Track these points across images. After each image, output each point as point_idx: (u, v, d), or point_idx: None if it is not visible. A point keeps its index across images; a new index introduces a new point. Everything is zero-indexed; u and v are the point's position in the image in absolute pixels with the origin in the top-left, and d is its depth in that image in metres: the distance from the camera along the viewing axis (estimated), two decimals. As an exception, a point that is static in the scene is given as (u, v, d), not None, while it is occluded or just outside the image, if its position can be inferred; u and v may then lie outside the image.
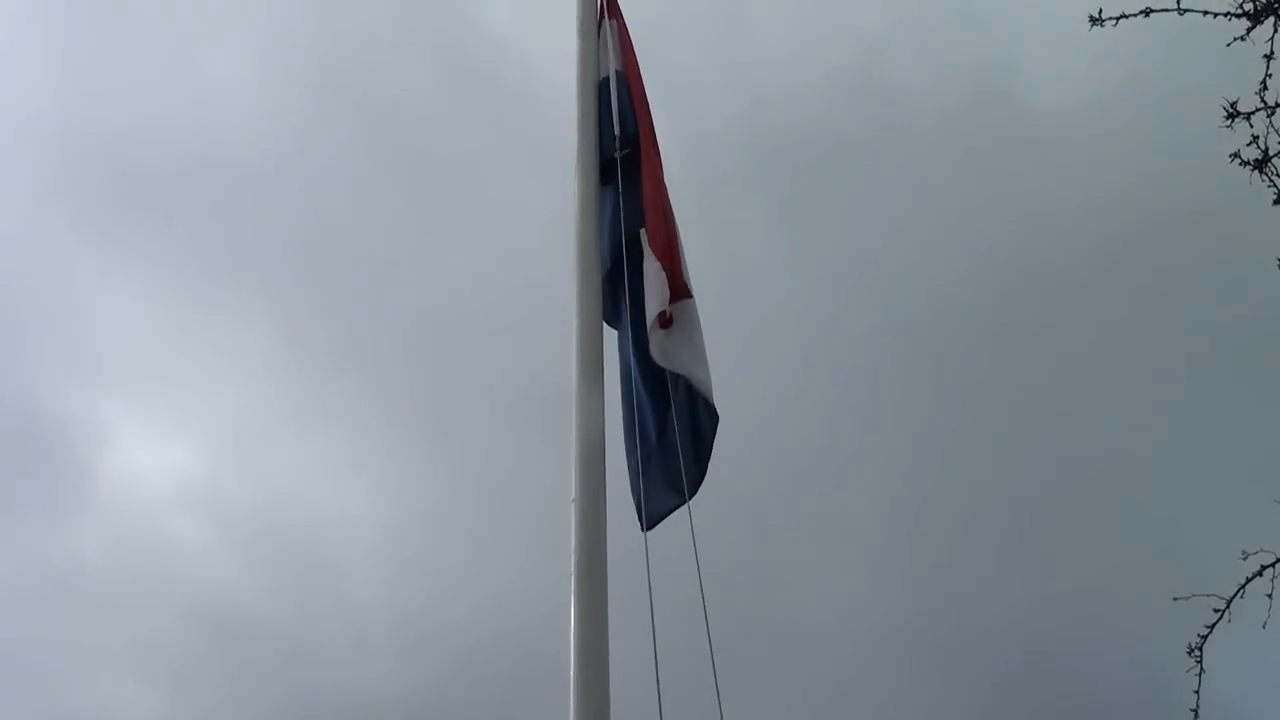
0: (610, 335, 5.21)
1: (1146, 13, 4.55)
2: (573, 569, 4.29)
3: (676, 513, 4.83)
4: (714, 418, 4.95)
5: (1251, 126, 4.66)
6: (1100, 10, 4.54)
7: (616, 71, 5.88)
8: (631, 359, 5.11)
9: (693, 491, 4.80)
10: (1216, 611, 5.11)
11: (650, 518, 4.74)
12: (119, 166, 15.20)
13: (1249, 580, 5.01)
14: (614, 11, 6.24)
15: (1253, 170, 4.71)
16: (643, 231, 5.32)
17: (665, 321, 5.01)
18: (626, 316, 5.19)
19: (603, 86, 5.85)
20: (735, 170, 13.97)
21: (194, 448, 16.38)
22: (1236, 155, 4.72)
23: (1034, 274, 14.23)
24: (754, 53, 14.69)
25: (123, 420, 16.26)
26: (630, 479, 4.92)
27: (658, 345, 4.98)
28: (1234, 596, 5.06)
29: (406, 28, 15.05)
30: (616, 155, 5.52)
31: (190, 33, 15.25)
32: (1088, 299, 14.08)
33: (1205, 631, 5.13)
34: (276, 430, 16.12)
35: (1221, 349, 12.64)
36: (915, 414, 14.32)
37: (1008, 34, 13.98)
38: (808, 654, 13.03)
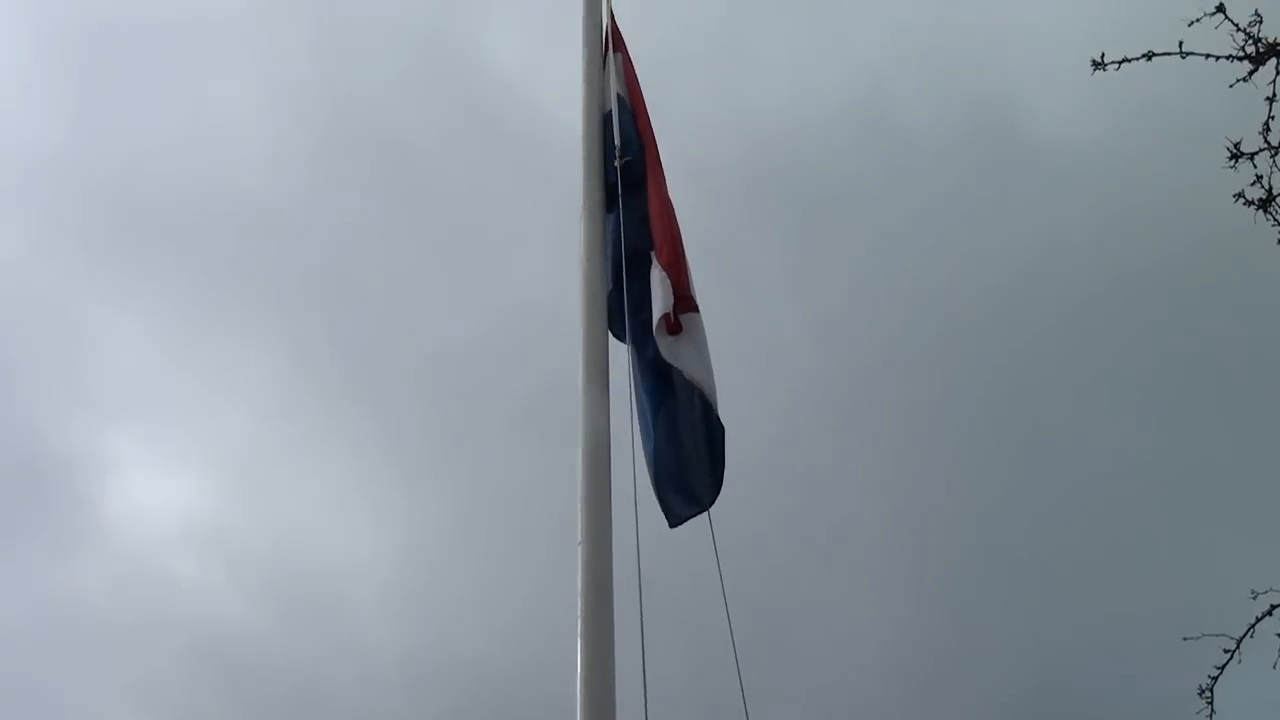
0: (619, 349, 5.28)
1: (1149, 56, 4.56)
2: (579, 612, 4.28)
3: (684, 538, 4.95)
4: (720, 428, 5.07)
5: (1255, 167, 4.67)
6: (1103, 55, 4.57)
7: (619, 96, 6.00)
8: (638, 364, 5.18)
9: (711, 499, 4.93)
10: (1227, 652, 5.08)
11: (673, 517, 4.90)
12: (125, 199, 15.27)
13: (1259, 620, 4.99)
14: (618, 45, 6.38)
15: (1257, 210, 4.72)
16: (651, 251, 5.44)
17: (673, 327, 5.14)
18: (639, 326, 5.27)
19: (607, 118, 5.97)
20: (742, 205, 14.01)
21: (199, 482, 16.37)
22: (1240, 195, 4.73)
23: (1040, 306, 14.22)
24: (759, 89, 14.75)
25: (127, 454, 16.24)
26: (650, 479, 4.99)
27: (666, 348, 5.11)
28: (1244, 636, 5.03)
29: (413, 62, 15.11)
30: (617, 164, 5.65)
31: (198, 66, 15.32)
32: (1095, 332, 14.06)
33: (1216, 672, 5.10)
34: (282, 464, 16.11)
35: (1233, 381, 12.60)
36: (923, 444, 14.29)
37: (1011, 69, 14.05)
38: (815, 680, 12.94)
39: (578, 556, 4.44)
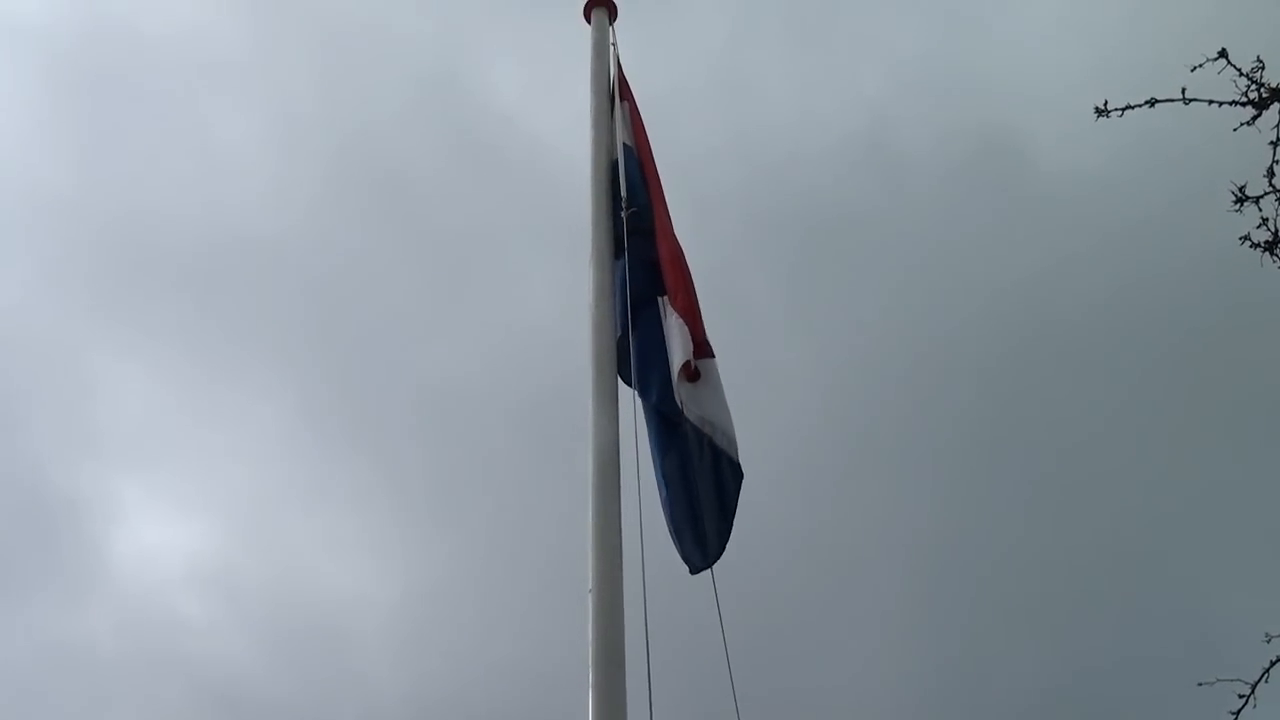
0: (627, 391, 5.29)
1: (1152, 103, 4.59)
2: (590, 660, 4.28)
3: (693, 576, 4.97)
4: (738, 475, 5.11)
5: (1260, 210, 4.69)
6: (1106, 102, 4.60)
7: (625, 145, 6.04)
8: (653, 413, 5.18)
9: (719, 549, 4.96)
10: (1241, 696, 5.04)
11: (693, 566, 4.93)
12: (130, 241, 15.36)
13: (1273, 664, 4.95)
14: (625, 95, 6.44)
15: (1264, 252, 4.73)
16: (662, 299, 5.49)
17: (691, 375, 5.17)
18: (651, 374, 5.29)
19: (615, 166, 6.01)
20: (741, 236, 14.04)
21: (205, 525, 16.30)
22: (1246, 238, 4.75)
23: (1044, 333, 14.19)
24: (758, 119, 14.78)
25: (133, 498, 16.20)
26: (669, 529, 5.02)
27: (686, 396, 5.14)
28: (1259, 681, 4.99)
29: (420, 106, 15.20)
30: (624, 215, 5.68)
31: (203, 109, 15.45)
32: (1099, 361, 14.00)
33: (1231, 718, 5.06)
34: (286, 506, 16.08)
35: (1241, 416, 12.52)
36: (926, 476, 14.17)
37: (1012, 96, 14.08)
38: (821, 716, 12.85)
39: (588, 604, 4.43)
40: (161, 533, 16.16)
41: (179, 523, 16.31)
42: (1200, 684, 5.11)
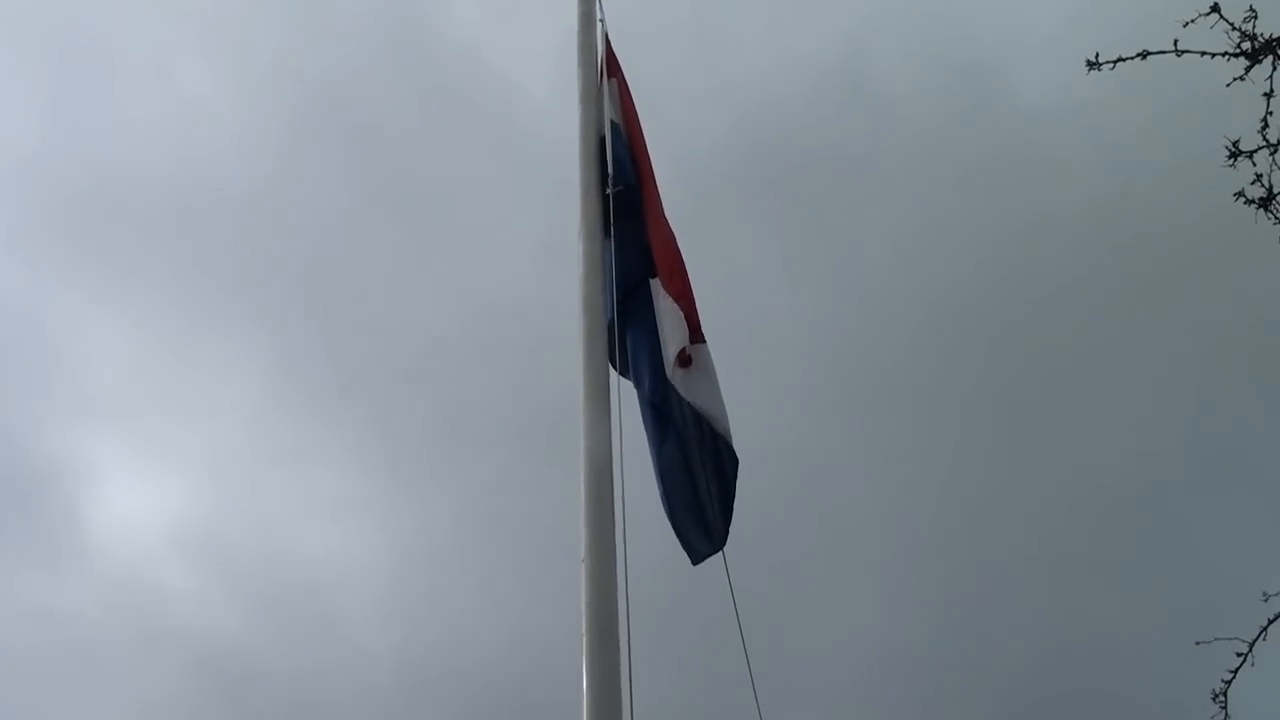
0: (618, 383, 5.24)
1: (1144, 55, 4.54)
2: (583, 629, 4.26)
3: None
4: (734, 461, 5.10)
5: (1255, 165, 4.65)
6: (1097, 55, 4.55)
7: (612, 122, 5.98)
8: (646, 404, 5.15)
9: (724, 537, 4.97)
10: (1239, 655, 5.04)
11: (694, 555, 4.96)
12: (100, 196, 15.03)
13: (1271, 623, 4.95)
14: (614, 70, 6.36)
15: (1258, 209, 4.69)
16: (653, 280, 5.43)
17: (685, 361, 5.16)
18: (643, 362, 5.25)
19: (602, 143, 5.94)
20: (724, 184, 13.77)
21: (187, 489, 16.12)
22: (1241, 194, 4.71)
23: (1037, 279, 14.00)
24: (736, 61, 14.49)
25: (113, 462, 16.01)
26: (668, 518, 5.02)
27: (680, 382, 5.13)
28: (1256, 639, 4.99)
29: (389, 52, 14.89)
30: (609, 193, 5.62)
31: (174, 61, 15.12)
32: (1094, 308, 13.82)
33: (1229, 676, 5.05)
34: (272, 468, 15.86)
35: (1238, 366, 12.41)
36: (923, 432, 14.10)
37: (997, 36, 13.85)
38: (817, 687, 12.83)
39: (580, 573, 4.41)
40: (143, 497, 16.00)
41: (161, 486, 16.14)
42: (1198, 643, 5.11)
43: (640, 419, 5.23)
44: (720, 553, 4.94)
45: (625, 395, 5.21)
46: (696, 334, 5.27)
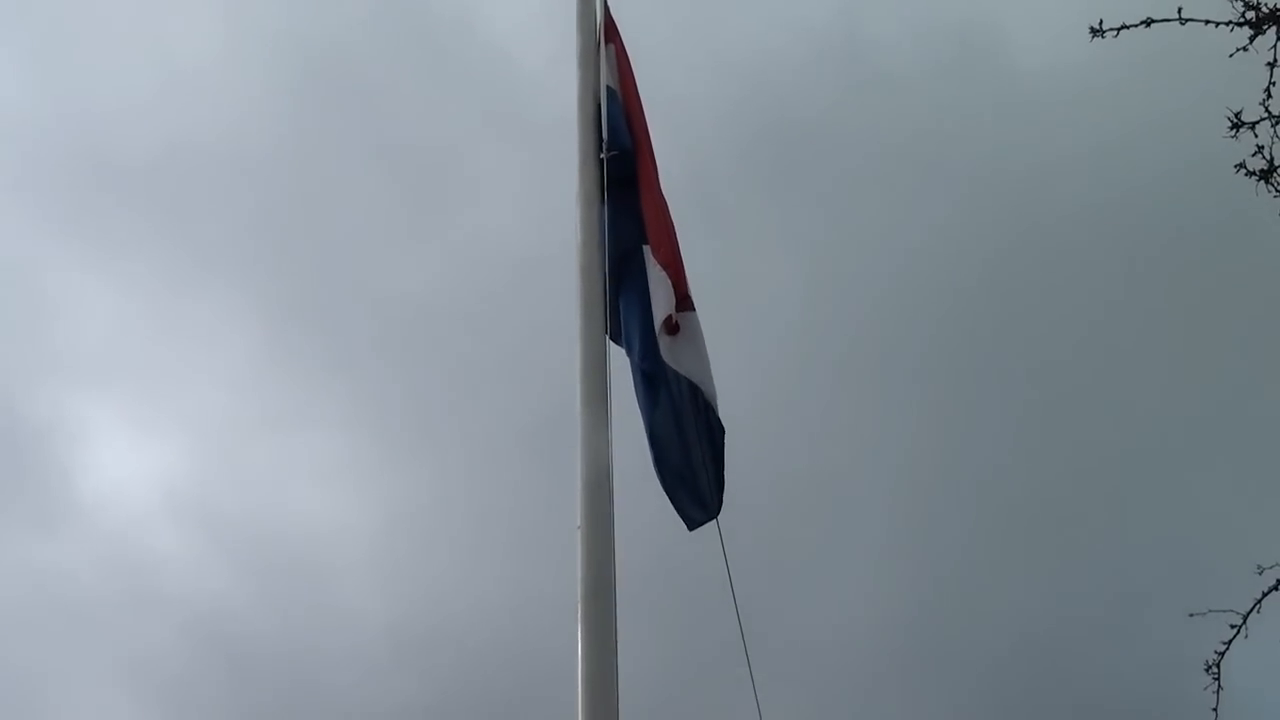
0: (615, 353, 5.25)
1: (1148, 23, 4.53)
2: (579, 595, 4.27)
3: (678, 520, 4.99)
4: (721, 429, 5.13)
5: (1256, 136, 4.63)
6: (1101, 21, 4.53)
7: (609, 87, 5.97)
8: (637, 371, 5.15)
9: (718, 503, 4.99)
10: (1233, 627, 5.04)
11: (689, 521, 4.96)
12: (87, 157, 14.92)
13: (1266, 595, 4.95)
14: (611, 36, 6.35)
15: (1259, 180, 4.68)
16: (645, 247, 5.45)
17: (672, 328, 5.16)
18: (634, 328, 5.26)
19: (599, 109, 5.94)
20: (719, 148, 13.69)
21: (177, 451, 16.12)
22: (1242, 166, 4.69)
23: (1035, 243, 13.92)
24: (730, 25, 14.28)
25: (102, 424, 15.98)
26: (662, 486, 5.02)
27: (667, 350, 5.13)
28: (1250, 611, 5.00)
29: (394, 14, 14.68)
30: (604, 158, 5.62)
31: (159, 17, 14.97)
32: (1093, 271, 13.73)
33: (1222, 648, 5.06)
34: (262, 431, 15.83)
35: (1235, 331, 12.33)
36: (917, 397, 14.08)
37: None
38: (809, 658, 12.87)
39: (577, 540, 4.43)
40: (133, 460, 16.03)
41: (150, 449, 16.16)
42: (1192, 614, 5.12)
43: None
44: (717, 526, 4.94)
45: (619, 361, 5.21)
46: (685, 302, 5.27)
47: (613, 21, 6.47)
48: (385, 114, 14.87)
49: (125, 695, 14.78)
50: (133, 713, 14.69)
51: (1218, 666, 5.09)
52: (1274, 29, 4.48)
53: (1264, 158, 4.65)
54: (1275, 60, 4.50)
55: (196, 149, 14.89)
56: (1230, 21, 4.46)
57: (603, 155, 5.65)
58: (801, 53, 13.92)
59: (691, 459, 5.02)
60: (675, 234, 5.56)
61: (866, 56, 14.20)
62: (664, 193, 5.76)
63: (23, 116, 14.99)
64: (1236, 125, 4.62)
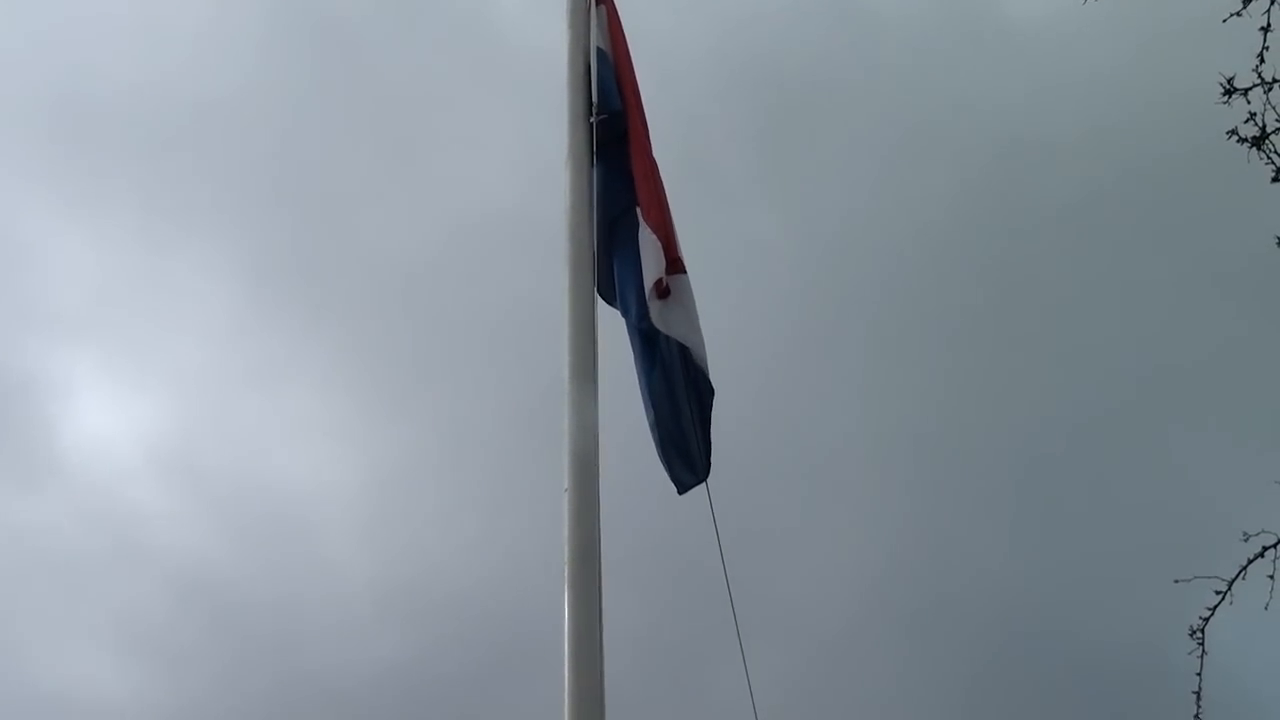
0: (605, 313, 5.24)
1: (1142, -13, 4.50)
2: (565, 558, 4.28)
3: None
4: (710, 391, 5.11)
5: (1249, 103, 4.61)
6: (1096, -17, 4.51)
7: (600, 50, 5.92)
8: (634, 332, 5.16)
9: (706, 467, 4.99)
10: (1218, 593, 5.07)
11: (679, 484, 4.97)
12: (64, 104, 14.63)
13: (1250, 562, 4.98)
14: None
15: (1250, 147, 4.66)
16: (637, 209, 5.42)
17: (662, 291, 5.14)
18: (630, 290, 5.25)
19: (589, 70, 5.89)
20: (708, 102, 13.45)
21: (161, 405, 15.89)
22: (1234, 132, 4.67)
23: (1026, 201, 13.76)
24: None
25: (84, 377, 15.71)
26: (655, 447, 5.04)
27: (657, 314, 5.11)
28: (1235, 578, 5.02)
29: None
30: (593, 120, 5.57)
31: None
32: (1084, 230, 13.53)
33: (1207, 614, 5.10)
34: (245, 386, 15.62)
35: (1225, 297, 12.28)
36: (907, 354, 14.00)
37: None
38: (795, 623, 12.91)
39: (564, 503, 4.43)
40: (116, 414, 15.81)
41: (133, 403, 15.96)
42: (1177, 581, 5.15)
43: (624, 346, 5.22)
44: (706, 489, 4.95)
45: (605, 320, 5.19)
46: (675, 265, 5.25)
47: None
48: (371, 70, 14.69)
49: (109, 649, 14.81)
50: (116, 666, 14.69)
51: (1202, 632, 5.13)
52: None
53: (1256, 124, 4.63)
54: (1269, 25, 4.48)
55: (180, 98, 14.66)
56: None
57: (593, 119, 5.61)
58: (795, 11, 13.79)
59: (682, 422, 5.02)
60: (665, 197, 5.53)
61: (860, 14, 14.10)
62: (655, 155, 5.73)
63: (0, 67, 14.79)
64: (1229, 91, 4.60)
